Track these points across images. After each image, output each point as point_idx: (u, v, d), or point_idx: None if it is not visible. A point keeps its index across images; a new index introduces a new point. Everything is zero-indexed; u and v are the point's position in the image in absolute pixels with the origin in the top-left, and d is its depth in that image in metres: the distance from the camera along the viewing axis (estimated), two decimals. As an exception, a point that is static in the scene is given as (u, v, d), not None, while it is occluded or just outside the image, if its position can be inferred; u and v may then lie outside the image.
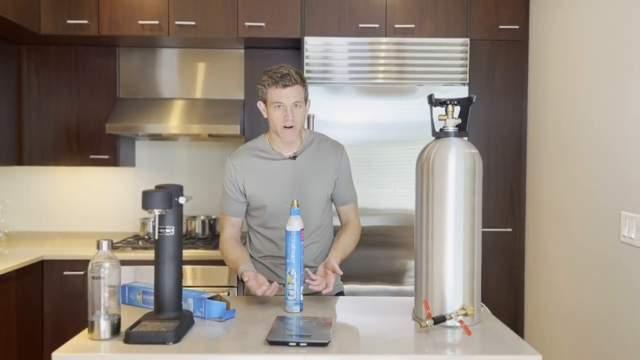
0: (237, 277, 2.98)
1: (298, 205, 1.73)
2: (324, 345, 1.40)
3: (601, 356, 2.33)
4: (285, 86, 1.87)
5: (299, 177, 1.98)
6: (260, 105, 1.97)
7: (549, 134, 2.86)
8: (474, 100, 1.62)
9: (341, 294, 2.12)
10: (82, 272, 2.98)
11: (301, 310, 1.71)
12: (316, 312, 1.70)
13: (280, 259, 1.98)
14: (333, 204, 2.11)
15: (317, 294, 1.94)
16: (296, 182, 1.97)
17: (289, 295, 1.70)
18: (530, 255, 3.10)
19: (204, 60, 3.49)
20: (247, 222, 2.09)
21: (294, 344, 1.40)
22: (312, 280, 1.77)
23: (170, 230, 1.53)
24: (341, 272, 1.81)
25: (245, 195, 2.01)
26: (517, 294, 3.16)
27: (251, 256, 2.06)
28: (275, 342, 1.40)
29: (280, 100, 1.88)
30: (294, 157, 1.99)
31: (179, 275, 1.55)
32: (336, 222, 2.14)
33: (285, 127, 1.90)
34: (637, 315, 2.08)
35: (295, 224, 1.71)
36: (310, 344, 1.39)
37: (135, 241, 3.24)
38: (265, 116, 1.97)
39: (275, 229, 1.99)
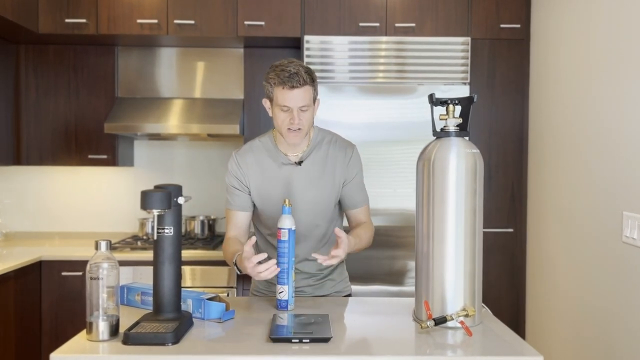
0: (236, 274, 2.96)
1: (290, 205, 1.69)
2: (326, 340, 1.40)
3: (603, 357, 2.32)
4: (292, 87, 1.72)
5: (303, 185, 1.88)
6: (266, 103, 1.84)
7: (551, 134, 2.85)
8: (474, 100, 1.61)
9: (349, 296, 2.05)
10: (80, 273, 2.97)
11: (290, 308, 1.70)
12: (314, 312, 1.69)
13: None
14: (344, 215, 1.99)
15: (322, 295, 1.94)
16: (300, 189, 1.87)
17: (280, 293, 1.70)
18: (531, 255, 3.09)
19: (203, 60, 3.48)
20: (253, 224, 2.01)
21: (297, 340, 1.40)
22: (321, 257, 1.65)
23: (169, 231, 1.52)
24: (345, 241, 1.67)
25: (250, 193, 1.91)
26: (518, 295, 3.15)
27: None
28: (278, 339, 1.40)
29: (286, 103, 1.74)
30: (299, 163, 1.87)
31: (178, 276, 1.54)
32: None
33: (290, 129, 1.78)
34: (639, 315, 2.07)
35: (286, 223, 1.68)
36: (313, 340, 1.40)
37: (134, 241, 3.22)
38: (270, 114, 1.84)
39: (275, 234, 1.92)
